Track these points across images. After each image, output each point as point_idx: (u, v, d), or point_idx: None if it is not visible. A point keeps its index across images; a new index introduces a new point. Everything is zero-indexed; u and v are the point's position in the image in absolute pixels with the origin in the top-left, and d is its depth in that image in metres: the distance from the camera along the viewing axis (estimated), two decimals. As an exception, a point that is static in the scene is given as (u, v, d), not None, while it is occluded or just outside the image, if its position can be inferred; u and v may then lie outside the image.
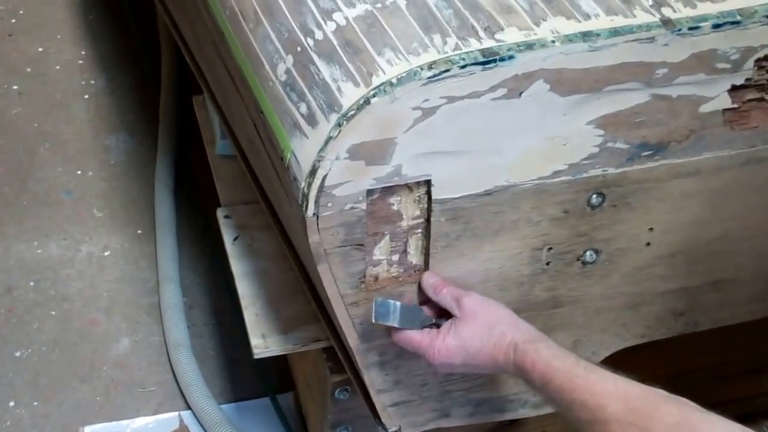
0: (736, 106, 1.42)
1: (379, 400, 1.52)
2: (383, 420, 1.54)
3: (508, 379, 1.57)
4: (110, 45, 2.78)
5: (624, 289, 1.54)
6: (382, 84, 1.26)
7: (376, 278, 1.41)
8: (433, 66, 1.27)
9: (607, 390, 1.24)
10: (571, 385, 1.27)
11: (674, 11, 1.34)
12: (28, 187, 2.40)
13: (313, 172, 1.29)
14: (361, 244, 1.37)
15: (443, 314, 1.42)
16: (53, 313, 2.17)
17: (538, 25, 1.32)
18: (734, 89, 1.40)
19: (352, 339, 1.44)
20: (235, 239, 1.74)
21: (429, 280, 1.42)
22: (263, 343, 1.60)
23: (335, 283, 1.39)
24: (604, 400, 1.23)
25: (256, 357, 1.60)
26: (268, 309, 1.64)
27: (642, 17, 1.33)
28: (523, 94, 1.31)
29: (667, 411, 1.19)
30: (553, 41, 1.30)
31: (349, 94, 1.28)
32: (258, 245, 1.73)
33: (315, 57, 1.33)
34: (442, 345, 1.38)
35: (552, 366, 1.30)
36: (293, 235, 1.53)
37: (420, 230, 1.40)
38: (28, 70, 2.69)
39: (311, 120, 1.30)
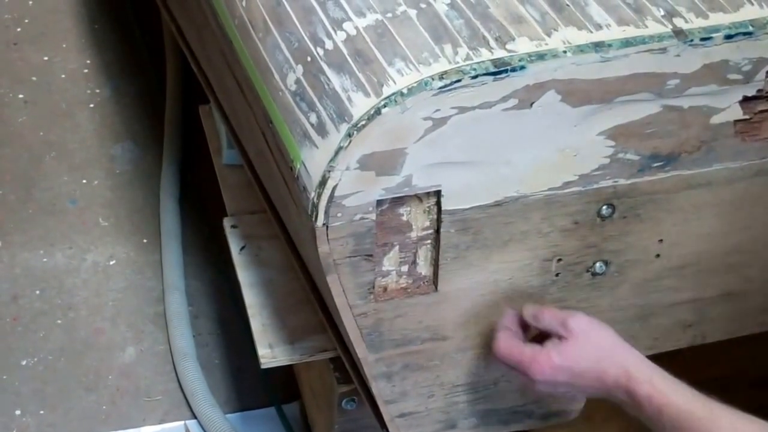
0: (747, 117, 1.41)
1: (386, 411, 1.52)
2: (390, 430, 1.53)
3: (514, 391, 1.57)
4: (116, 54, 2.77)
5: (633, 300, 1.54)
6: (393, 94, 1.26)
7: (385, 289, 1.41)
8: (444, 76, 1.26)
9: None
10: (689, 424, 1.28)
11: (686, 21, 1.34)
12: (34, 196, 2.40)
13: (323, 182, 1.28)
14: (371, 255, 1.36)
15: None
16: (59, 321, 2.16)
17: (549, 35, 1.31)
18: (746, 100, 1.40)
19: (360, 349, 1.43)
20: (242, 249, 1.73)
21: (529, 310, 1.42)
22: (270, 353, 1.60)
23: (344, 293, 1.38)
24: None
25: (263, 367, 1.59)
26: (275, 319, 1.64)
27: (654, 28, 1.33)
28: (534, 105, 1.30)
29: None
30: (565, 52, 1.29)
31: (359, 105, 1.27)
32: (265, 255, 1.73)
33: (325, 67, 1.33)
34: (546, 361, 1.36)
35: (670, 401, 1.30)
36: (301, 244, 1.52)
37: (429, 241, 1.40)
38: (34, 78, 2.68)
39: (321, 130, 1.30)
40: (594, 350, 1.36)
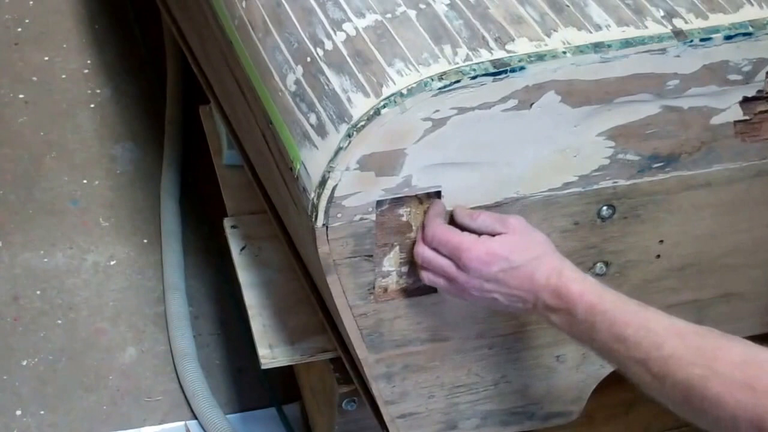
0: (747, 117, 1.41)
1: (386, 412, 1.52)
2: (390, 431, 1.53)
3: (515, 392, 1.57)
4: (116, 54, 2.77)
5: (633, 301, 1.54)
6: (393, 95, 1.26)
7: (385, 290, 1.41)
8: (443, 77, 1.26)
9: (663, 327, 1.21)
10: (624, 318, 1.23)
11: (686, 22, 1.34)
12: (35, 196, 2.40)
13: (323, 182, 1.28)
14: (371, 255, 1.36)
15: None
16: (59, 322, 2.16)
17: (549, 36, 1.31)
18: (746, 101, 1.40)
19: (360, 350, 1.43)
20: (242, 249, 1.74)
21: (462, 210, 1.35)
22: (270, 353, 1.60)
23: (344, 294, 1.38)
24: (660, 337, 1.20)
25: (263, 367, 1.59)
26: (275, 319, 1.64)
27: (653, 28, 1.33)
28: (533, 106, 1.30)
29: (731, 349, 1.16)
30: (564, 52, 1.29)
31: (359, 105, 1.27)
32: (265, 255, 1.73)
33: (325, 67, 1.33)
34: (484, 248, 1.30)
35: (603, 299, 1.25)
36: (301, 245, 1.52)
37: (429, 242, 1.39)
38: (34, 79, 2.68)
39: (321, 131, 1.30)
40: (531, 247, 1.31)
